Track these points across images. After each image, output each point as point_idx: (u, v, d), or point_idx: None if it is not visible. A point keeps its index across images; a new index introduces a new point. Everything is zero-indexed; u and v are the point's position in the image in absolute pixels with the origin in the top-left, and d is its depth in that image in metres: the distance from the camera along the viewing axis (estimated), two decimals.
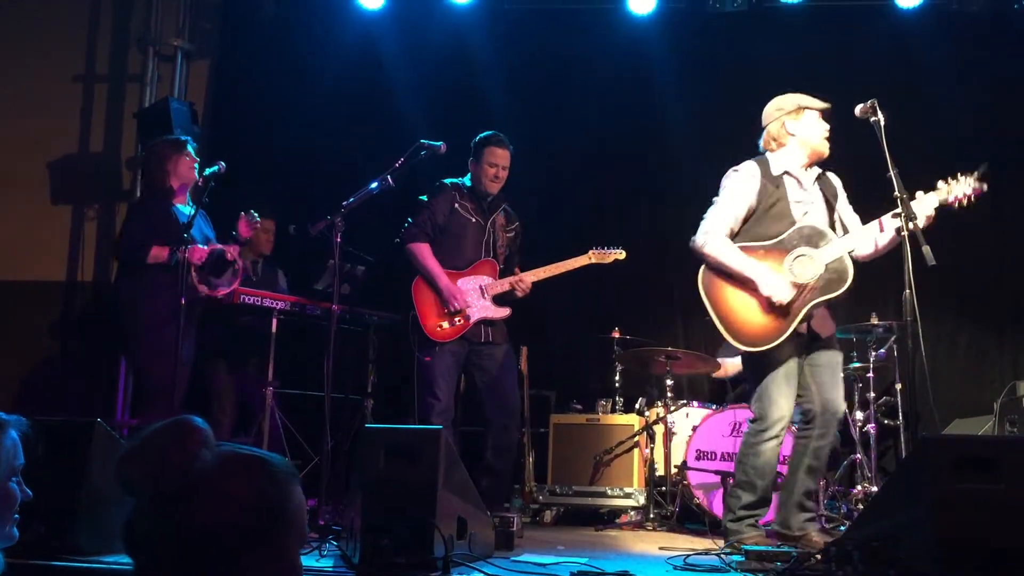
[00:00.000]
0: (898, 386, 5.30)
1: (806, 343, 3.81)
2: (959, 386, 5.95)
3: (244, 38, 6.81)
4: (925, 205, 3.64)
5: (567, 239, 5.46)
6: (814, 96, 3.95)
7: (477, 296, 4.59)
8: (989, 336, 6.13)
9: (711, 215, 3.93)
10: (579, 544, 4.18)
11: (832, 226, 3.87)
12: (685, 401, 5.47)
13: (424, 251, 4.59)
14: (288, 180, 6.23)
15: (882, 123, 3.65)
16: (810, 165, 3.93)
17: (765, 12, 6.27)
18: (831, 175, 4.01)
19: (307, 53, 6.54)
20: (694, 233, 3.95)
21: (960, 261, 5.41)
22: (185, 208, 4.45)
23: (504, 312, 4.63)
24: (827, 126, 3.91)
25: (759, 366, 3.79)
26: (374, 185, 4.31)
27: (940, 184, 3.69)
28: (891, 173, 3.57)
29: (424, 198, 4.69)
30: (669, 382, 5.26)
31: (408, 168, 4.37)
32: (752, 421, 3.82)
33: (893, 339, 5.32)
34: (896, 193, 3.51)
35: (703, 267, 3.89)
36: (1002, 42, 6.14)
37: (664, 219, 6.51)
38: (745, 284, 3.76)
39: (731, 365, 5.79)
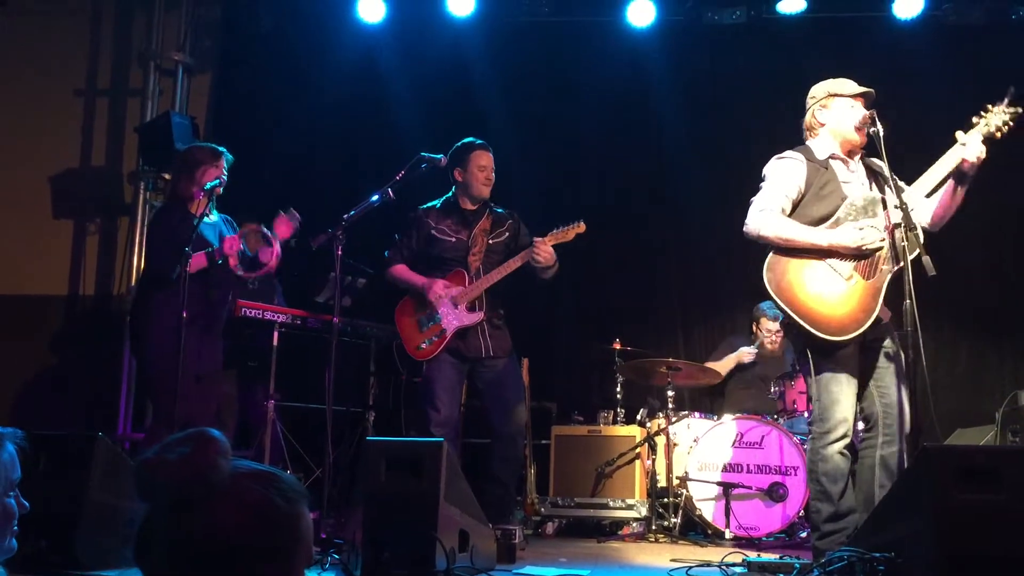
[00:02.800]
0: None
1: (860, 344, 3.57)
2: (960, 396, 5.95)
3: (244, 52, 6.84)
4: (973, 144, 3.52)
5: (564, 248, 5.47)
6: (856, 81, 3.81)
7: (450, 307, 4.55)
8: (990, 346, 6.13)
9: (759, 197, 3.71)
10: (581, 556, 4.18)
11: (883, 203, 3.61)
12: (687, 412, 5.46)
13: (400, 270, 4.64)
14: (289, 193, 6.22)
15: (881, 134, 3.64)
16: (848, 153, 3.75)
17: (763, 24, 6.29)
18: (876, 161, 3.75)
19: (307, 67, 6.57)
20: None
21: (960, 271, 5.42)
22: (206, 218, 4.27)
23: (477, 317, 4.54)
24: (863, 112, 3.69)
25: (819, 361, 3.55)
26: (375, 198, 4.33)
27: (975, 120, 3.58)
28: (890, 183, 3.57)
29: (398, 236, 4.72)
30: (670, 393, 5.25)
31: (409, 181, 4.38)
32: (812, 424, 3.61)
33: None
34: (898, 204, 3.50)
35: (767, 268, 3.63)
36: (999, 53, 6.16)
37: (663, 230, 6.53)
38: (817, 269, 3.57)
39: (730, 359, 5.82)
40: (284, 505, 1.19)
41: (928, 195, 3.65)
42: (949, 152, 3.61)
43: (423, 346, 4.52)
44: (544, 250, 4.51)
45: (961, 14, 6.09)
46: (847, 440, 3.52)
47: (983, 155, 3.56)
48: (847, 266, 3.58)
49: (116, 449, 3.24)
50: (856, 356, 3.58)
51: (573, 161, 6.59)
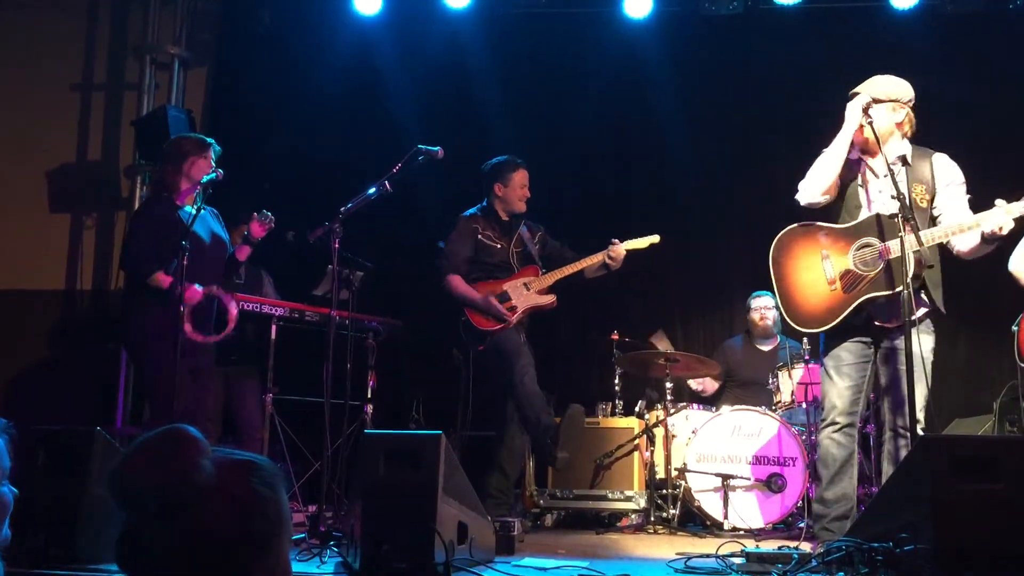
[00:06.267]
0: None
1: (875, 337, 3.74)
2: (959, 386, 5.95)
3: (241, 45, 6.82)
4: (995, 218, 3.49)
5: (565, 242, 5.48)
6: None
7: (522, 291, 4.83)
8: (988, 336, 6.13)
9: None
10: (580, 548, 4.18)
11: (928, 212, 3.71)
12: (685, 404, 5.47)
13: (456, 282, 4.82)
14: (286, 187, 6.22)
15: (875, 123, 3.66)
16: (865, 154, 3.80)
17: (760, 14, 6.28)
18: (940, 158, 3.80)
19: (304, 60, 6.55)
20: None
21: (958, 261, 5.42)
22: (191, 209, 4.19)
23: (550, 299, 4.88)
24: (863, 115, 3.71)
25: (823, 352, 3.83)
26: (372, 191, 4.32)
27: None
28: (888, 174, 3.58)
29: (442, 244, 4.91)
30: (669, 385, 5.26)
31: (406, 173, 4.38)
32: None
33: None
34: (894, 193, 3.51)
35: (776, 240, 3.87)
36: (998, 42, 6.15)
37: (661, 221, 6.50)
38: (814, 260, 3.76)
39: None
40: (267, 492, 1.18)
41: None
42: (981, 214, 3.58)
43: (489, 318, 4.75)
44: (619, 252, 4.83)
45: (959, 3, 6.07)
46: (837, 427, 3.70)
47: (1004, 231, 3.51)
48: (837, 270, 3.72)
49: (114, 443, 3.24)
50: (856, 347, 3.73)
51: (571, 153, 6.57)
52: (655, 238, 4.97)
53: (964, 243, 3.69)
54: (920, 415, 3.51)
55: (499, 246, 4.91)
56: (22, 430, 1.87)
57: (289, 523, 1.23)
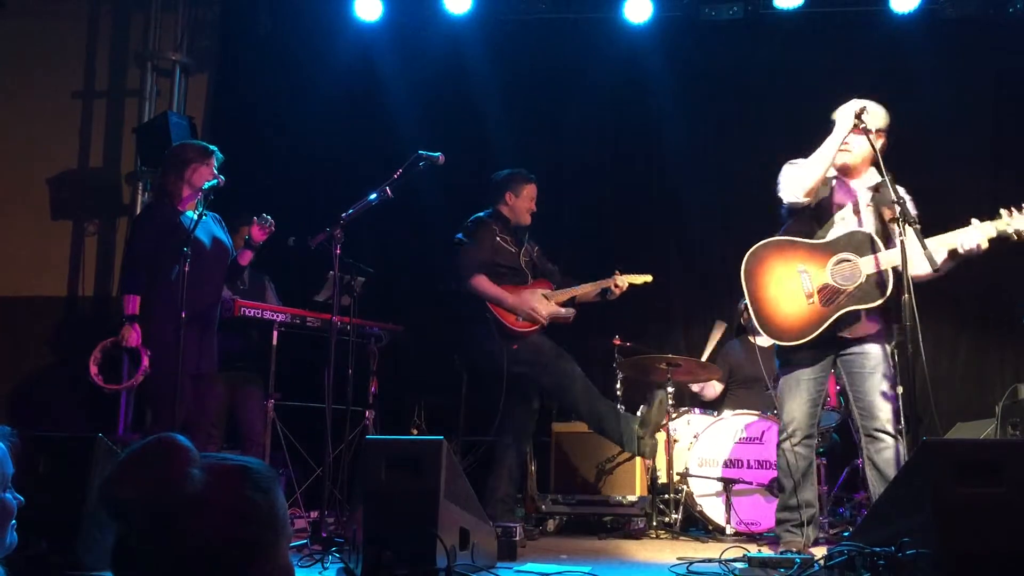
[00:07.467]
0: (899, 390, 5.27)
1: (834, 349, 3.82)
2: (960, 390, 5.95)
3: (242, 52, 6.83)
4: (980, 233, 3.60)
5: (565, 247, 5.48)
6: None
7: (543, 300, 4.87)
8: (989, 339, 6.13)
9: (784, 169, 3.90)
10: (582, 553, 4.18)
11: (886, 237, 3.76)
12: (687, 408, 5.47)
13: (483, 282, 4.79)
14: (287, 193, 6.23)
15: (872, 129, 3.67)
16: (843, 175, 3.87)
17: (760, 19, 6.29)
18: (899, 189, 3.83)
19: (305, 66, 6.56)
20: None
21: (959, 264, 5.42)
22: (192, 214, 4.21)
23: (570, 312, 4.92)
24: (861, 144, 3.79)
25: (780, 361, 3.90)
26: (373, 196, 4.32)
27: (1002, 212, 3.63)
28: (885, 179, 3.58)
29: (460, 236, 4.87)
30: (670, 390, 5.25)
31: (407, 179, 4.38)
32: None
33: (894, 343, 5.31)
34: (892, 198, 3.52)
35: (748, 254, 3.89)
36: (997, 46, 6.15)
37: (662, 226, 6.52)
38: (789, 273, 3.79)
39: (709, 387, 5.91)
40: (262, 498, 1.18)
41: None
42: (956, 232, 3.65)
43: (521, 319, 4.79)
44: (622, 284, 4.99)
45: (959, 8, 6.08)
46: (796, 439, 3.78)
47: (979, 249, 3.62)
48: (815, 284, 3.74)
49: (116, 450, 3.24)
50: (815, 362, 3.80)
51: (571, 158, 6.58)
52: (648, 277, 5.11)
53: (922, 268, 3.61)
54: (892, 416, 3.69)
55: (513, 251, 4.95)
56: (24, 436, 1.87)
57: (286, 525, 1.22)
